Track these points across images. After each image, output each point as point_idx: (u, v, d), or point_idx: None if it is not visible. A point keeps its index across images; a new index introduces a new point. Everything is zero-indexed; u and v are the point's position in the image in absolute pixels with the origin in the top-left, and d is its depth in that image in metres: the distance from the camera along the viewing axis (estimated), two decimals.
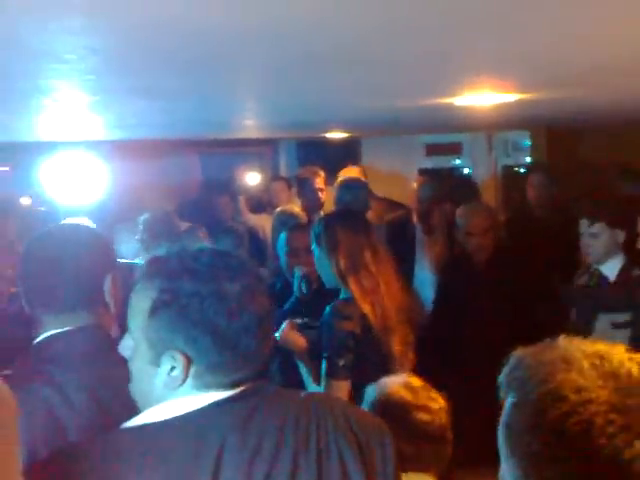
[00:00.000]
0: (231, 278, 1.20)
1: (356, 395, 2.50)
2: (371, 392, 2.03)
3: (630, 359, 0.86)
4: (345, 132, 6.21)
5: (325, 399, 1.32)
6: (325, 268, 2.67)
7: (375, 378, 2.54)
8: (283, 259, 3.42)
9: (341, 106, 3.56)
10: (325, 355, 2.55)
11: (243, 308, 1.19)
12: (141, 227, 4.32)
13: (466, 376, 3.19)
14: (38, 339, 1.65)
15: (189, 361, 1.17)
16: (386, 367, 2.60)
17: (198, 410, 1.18)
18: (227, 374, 1.20)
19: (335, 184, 4.54)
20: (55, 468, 1.15)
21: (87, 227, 1.94)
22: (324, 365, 2.55)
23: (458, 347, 3.31)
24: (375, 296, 2.59)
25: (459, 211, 3.75)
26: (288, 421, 1.21)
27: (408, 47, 1.89)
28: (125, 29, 1.53)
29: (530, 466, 0.84)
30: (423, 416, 1.88)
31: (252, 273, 1.25)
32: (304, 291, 3.16)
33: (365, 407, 1.96)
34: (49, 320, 1.64)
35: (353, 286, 2.58)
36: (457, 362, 3.33)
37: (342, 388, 2.53)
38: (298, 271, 3.21)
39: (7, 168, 7.71)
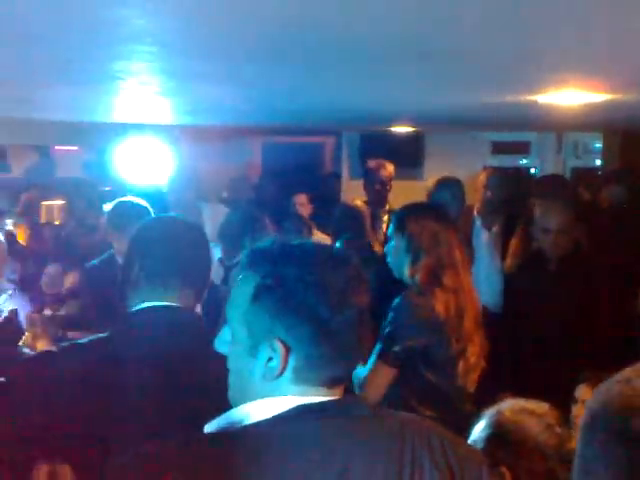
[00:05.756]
0: (335, 268, 1.16)
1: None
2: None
3: None
4: (411, 126, 6.12)
5: (423, 428, 1.23)
6: (400, 258, 2.52)
7: (437, 379, 2.48)
8: None
9: (414, 100, 3.49)
10: (383, 337, 2.44)
11: (346, 301, 1.14)
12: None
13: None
14: (135, 308, 1.73)
15: (288, 350, 1.13)
16: (452, 371, 2.50)
17: (295, 414, 1.13)
18: (325, 369, 1.15)
19: (432, 182, 4.48)
20: (135, 470, 1.11)
21: (193, 223, 1.99)
22: (378, 347, 2.44)
23: (526, 346, 3.20)
24: (455, 297, 2.45)
25: (538, 206, 3.62)
26: (380, 447, 1.14)
27: (499, 42, 1.83)
28: (209, 15, 1.52)
29: None
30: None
31: (355, 265, 1.20)
32: None
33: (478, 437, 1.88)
34: (148, 293, 1.72)
35: (435, 284, 2.43)
36: (522, 363, 3.23)
37: (386, 375, 2.43)
38: None
39: (76, 148, 7.91)
